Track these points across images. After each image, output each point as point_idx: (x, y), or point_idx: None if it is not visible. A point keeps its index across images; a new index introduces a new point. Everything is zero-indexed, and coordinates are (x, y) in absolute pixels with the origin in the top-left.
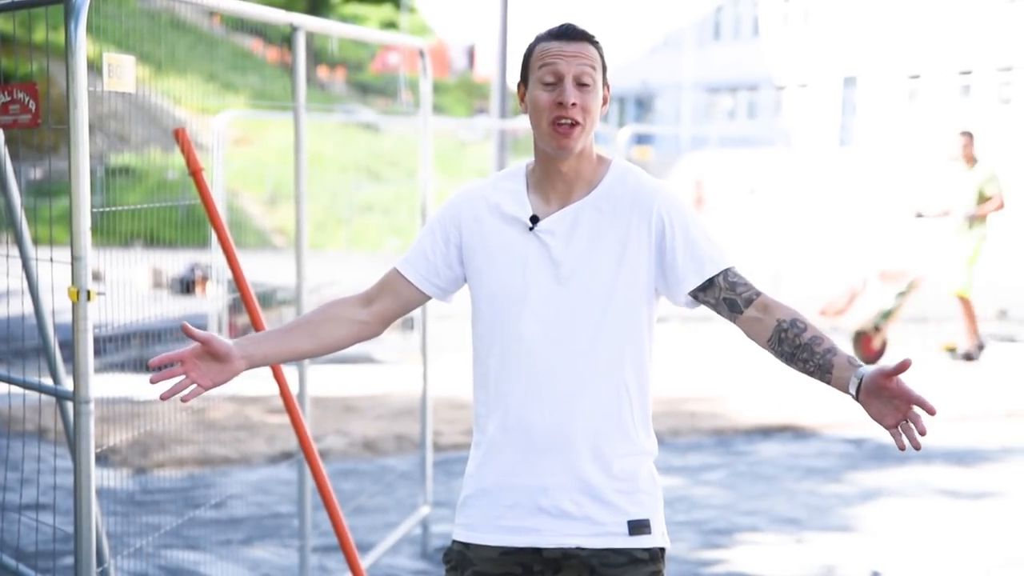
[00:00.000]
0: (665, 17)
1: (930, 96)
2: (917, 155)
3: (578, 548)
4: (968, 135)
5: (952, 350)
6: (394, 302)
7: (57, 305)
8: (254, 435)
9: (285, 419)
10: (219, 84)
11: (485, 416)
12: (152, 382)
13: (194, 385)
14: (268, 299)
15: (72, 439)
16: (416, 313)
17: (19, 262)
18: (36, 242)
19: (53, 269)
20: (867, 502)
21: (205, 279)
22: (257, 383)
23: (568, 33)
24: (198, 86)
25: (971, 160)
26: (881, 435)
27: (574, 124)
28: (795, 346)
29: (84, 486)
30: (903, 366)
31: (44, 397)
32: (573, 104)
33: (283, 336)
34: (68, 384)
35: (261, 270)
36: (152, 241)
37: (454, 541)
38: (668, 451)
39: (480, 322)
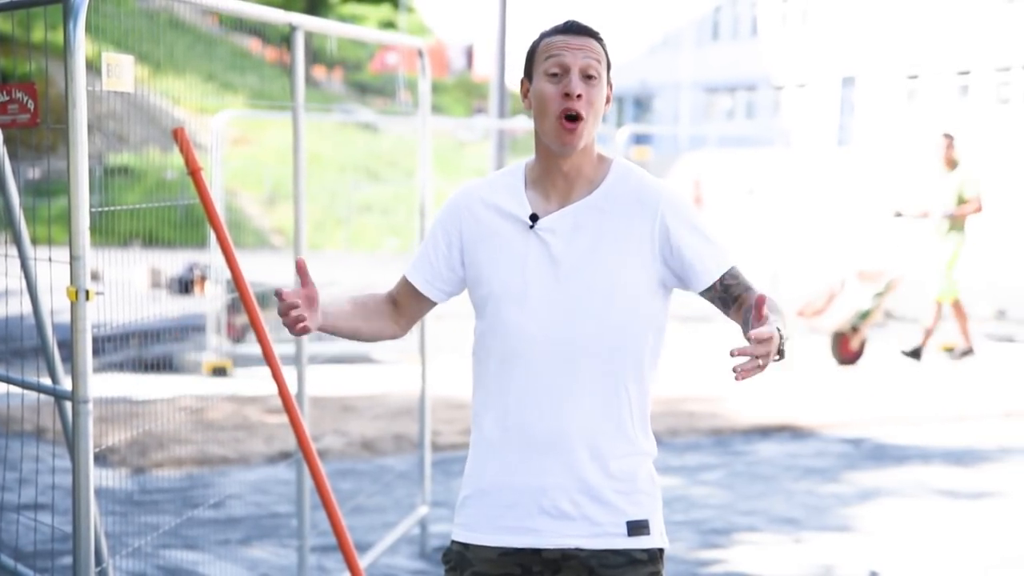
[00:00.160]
0: (663, 17)
1: (928, 96)
2: (916, 155)
3: (577, 549)
4: (949, 137)
5: (950, 350)
6: (410, 307)
7: (56, 305)
8: (252, 435)
9: (283, 419)
10: (218, 84)
11: (484, 416)
12: (283, 312)
13: (304, 323)
14: (267, 299)
15: (71, 439)
16: None
17: (18, 262)
18: (35, 242)
19: (52, 269)
20: (865, 502)
21: (204, 279)
22: (255, 383)
23: (574, 28)
24: (197, 86)
25: (951, 163)
26: (880, 435)
27: (579, 118)
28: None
29: (83, 486)
30: (760, 301)
31: (43, 397)
32: (579, 96)
33: (349, 315)
34: (67, 384)
35: (260, 270)
36: (150, 241)
37: (453, 541)
38: (666, 451)
39: (480, 321)
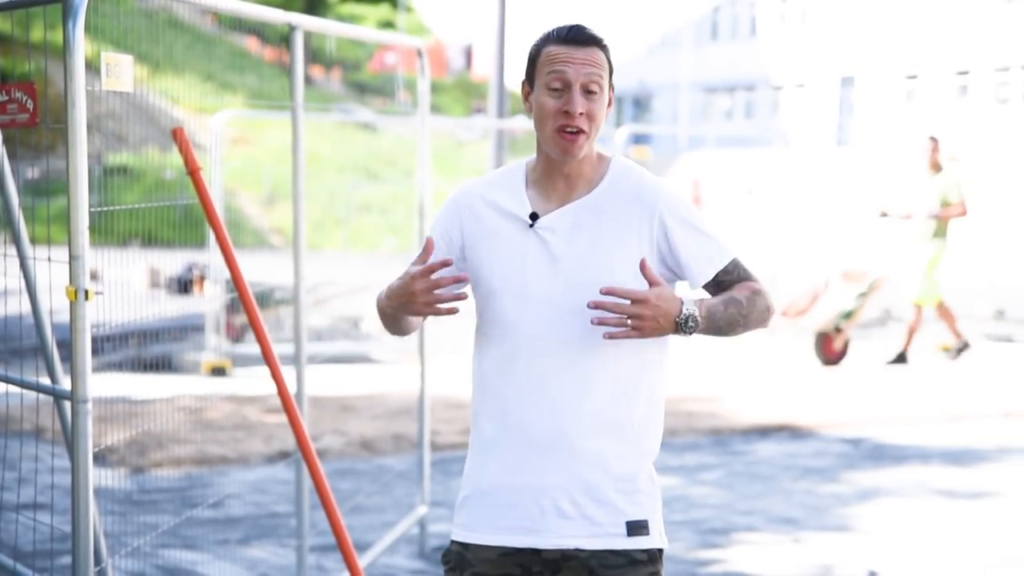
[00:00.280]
0: (662, 17)
1: (927, 96)
2: (915, 155)
3: (577, 549)
4: (934, 140)
5: (947, 350)
6: None
7: (55, 304)
8: (252, 435)
9: (283, 418)
10: (217, 84)
11: (483, 415)
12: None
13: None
14: (266, 299)
15: (70, 438)
16: None
17: (17, 261)
18: (34, 241)
19: (51, 268)
20: (864, 502)
21: (202, 279)
22: (254, 383)
23: (577, 37)
24: (196, 86)
25: (936, 166)
26: (879, 435)
27: (579, 132)
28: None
29: (82, 485)
30: (642, 263)
31: (42, 396)
32: (580, 113)
33: None
34: (66, 383)
35: (259, 270)
36: (149, 241)
37: (452, 541)
38: (665, 451)
39: (480, 320)
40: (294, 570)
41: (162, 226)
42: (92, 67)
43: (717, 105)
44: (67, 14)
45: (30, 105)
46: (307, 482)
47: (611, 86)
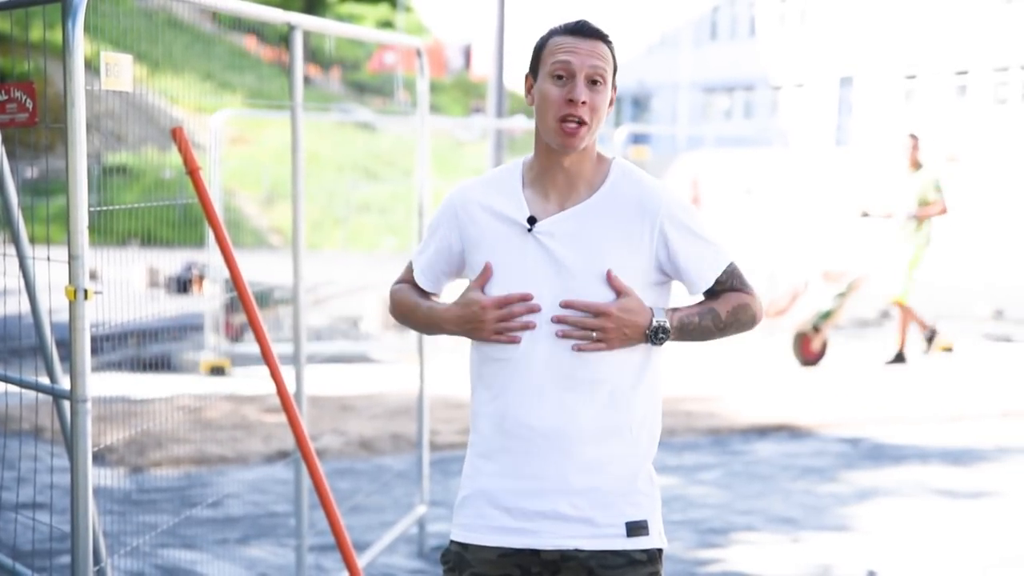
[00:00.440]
0: (662, 17)
1: (926, 96)
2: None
3: (576, 550)
4: (914, 138)
5: (948, 349)
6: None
7: (54, 304)
8: (251, 434)
9: (282, 418)
10: (216, 83)
11: (483, 416)
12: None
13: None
14: (265, 298)
15: (69, 438)
16: None
17: (16, 261)
18: (33, 241)
19: (50, 268)
20: (863, 501)
21: (201, 278)
22: (253, 382)
23: (583, 30)
24: (195, 85)
25: (915, 164)
26: (878, 435)
27: (581, 123)
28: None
29: (81, 485)
30: (608, 274)
31: (41, 396)
32: (583, 102)
33: None
34: (65, 383)
35: (258, 269)
36: (149, 240)
37: (452, 542)
38: (664, 451)
39: None
40: (293, 570)
41: (161, 226)
42: (91, 67)
43: (716, 105)
44: (66, 14)
45: (29, 104)
46: (306, 482)
47: (614, 85)
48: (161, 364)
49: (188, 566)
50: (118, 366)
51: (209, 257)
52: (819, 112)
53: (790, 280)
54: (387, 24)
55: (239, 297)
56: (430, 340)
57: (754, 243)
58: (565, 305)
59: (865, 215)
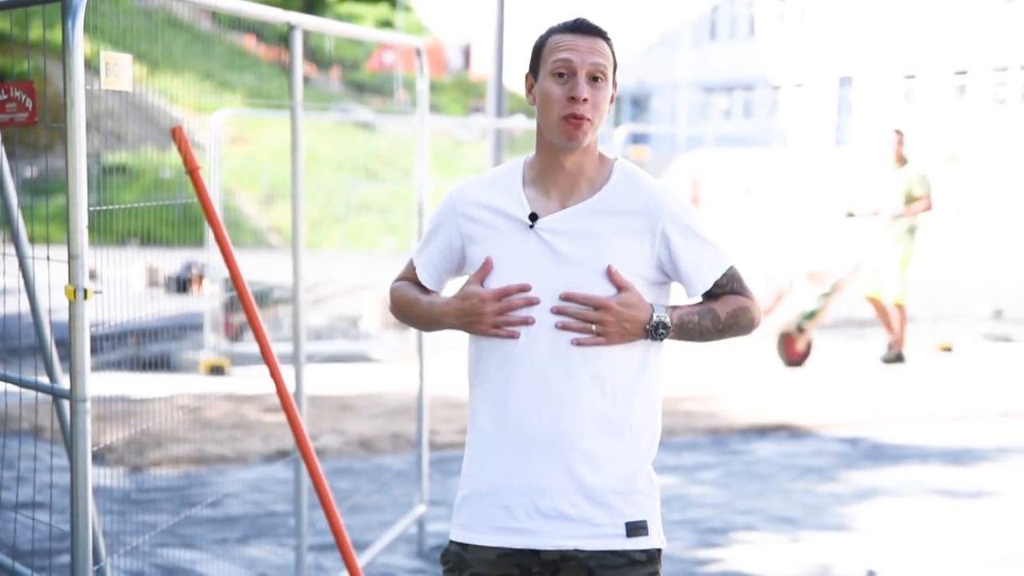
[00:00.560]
0: (661, 16)
1: (926, 96)
2: (912, 155)
3: (576, 550)
4: (899, 133)
5: (948, 349)
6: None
7: (53, 303)
8: (250, 434)
9: (281, 417)
10: (215, 83)
11: (482, 415)
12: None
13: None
14: (264, 298)
15: (68, 437)
16: None
17: (15, 260)
18: (32, 240)
19: (50, 267)
20: (863, 501)
21: (201, 277)
22: (253, 382)
23: (582, 27)
24: (194, 84)
25: (901, 160)
26: (877, 435)
27: (583, 120)
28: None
29: (80, 484)
30: (608, 269)
31: (40, 395)
32: (584, 100)
33: None
34: (65, 382)
35: (257, 269)
36: (148, 240)
37: (451, 542)
38: (664, 450)
39: None
40: (292, 569)
41: (161, 225)
42: (91, 66)
43: (715, 105)
44: (66, 13)
45: (29, 104)
46: (306, 481)
47: (614, 82)
48: (160, 364)
49: (188, 566)
50: (118, 365)
51: (208, 257)
52: (818, 112)
53: (775, 279)
54: (387, 24)
55: (239, 296)
56: (429, 339)
57: (753, 243)
58: (565, 297)
59: (851, 215)
